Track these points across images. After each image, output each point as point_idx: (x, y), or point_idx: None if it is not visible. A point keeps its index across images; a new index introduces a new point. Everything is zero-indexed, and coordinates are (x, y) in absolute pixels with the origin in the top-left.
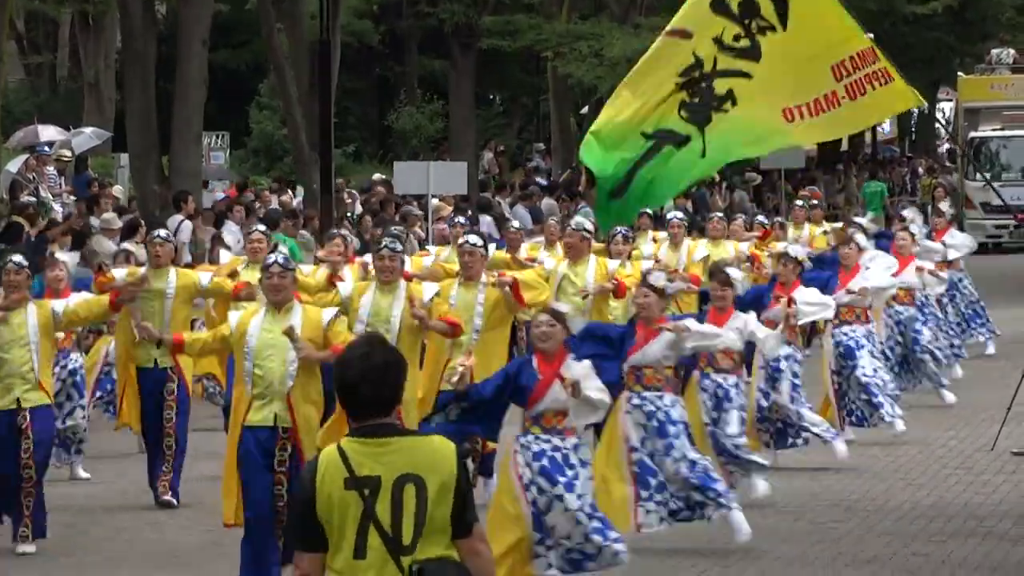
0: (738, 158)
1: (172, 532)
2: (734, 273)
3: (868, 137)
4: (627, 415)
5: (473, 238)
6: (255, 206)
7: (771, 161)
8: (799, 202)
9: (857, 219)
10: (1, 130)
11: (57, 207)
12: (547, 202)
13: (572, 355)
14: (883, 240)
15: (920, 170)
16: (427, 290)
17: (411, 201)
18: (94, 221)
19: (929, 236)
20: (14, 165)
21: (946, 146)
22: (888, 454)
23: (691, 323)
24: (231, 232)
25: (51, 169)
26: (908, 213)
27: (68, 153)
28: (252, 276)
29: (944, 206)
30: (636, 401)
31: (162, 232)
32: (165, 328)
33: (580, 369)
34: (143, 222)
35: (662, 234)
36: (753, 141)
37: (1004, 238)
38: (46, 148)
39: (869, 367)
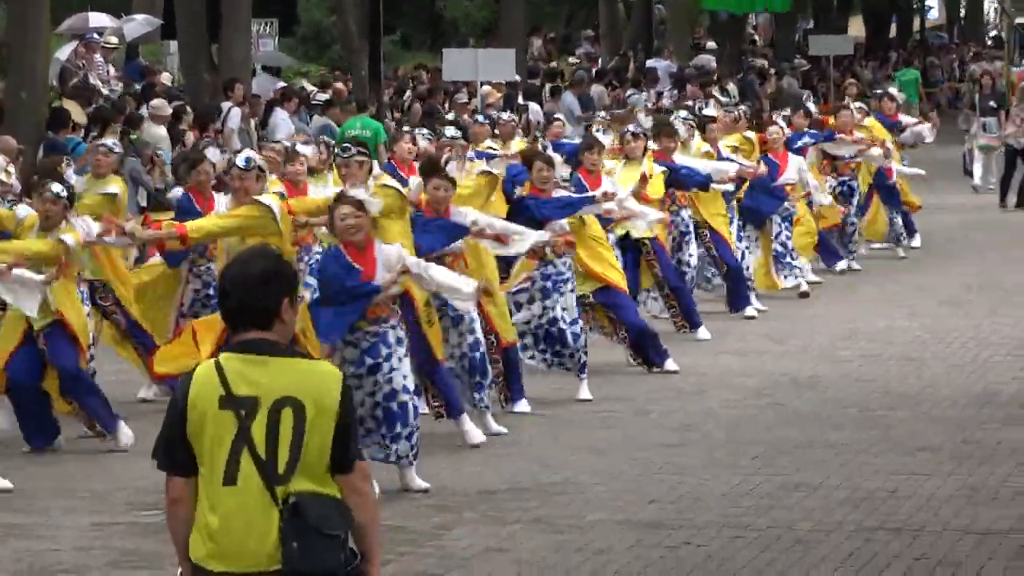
0: None
1: None
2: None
3: (916, 23)
4: None
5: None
6: (308, 95)
7: (819, 47)
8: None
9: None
10: (51, 17)
11: (106, 93)
12: (596, 88)
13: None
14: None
15: (967, 57)
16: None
17: (460, 88)
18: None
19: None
20: (63, 52)
21: (993, 32)
22: (938, 341)
23: None
24: (283, 120)
25: (99, 56)
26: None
27: (115, 40)
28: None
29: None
30: None
31: (108, 141)
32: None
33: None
34: (190, 108)
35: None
36: None
37: None
38: (95, 35)
39: None
